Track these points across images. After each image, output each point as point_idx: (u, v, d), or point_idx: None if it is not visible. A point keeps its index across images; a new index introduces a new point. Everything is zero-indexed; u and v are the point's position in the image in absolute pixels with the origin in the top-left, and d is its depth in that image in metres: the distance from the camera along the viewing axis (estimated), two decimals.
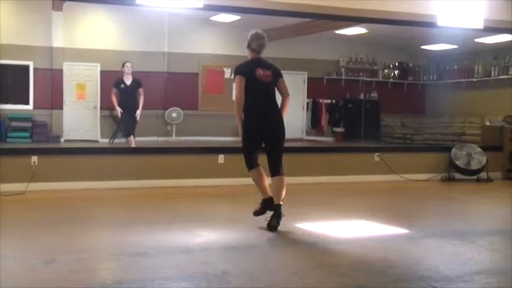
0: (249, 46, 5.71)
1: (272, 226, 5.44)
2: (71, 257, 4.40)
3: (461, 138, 13.53)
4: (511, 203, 7.89)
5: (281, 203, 5.50)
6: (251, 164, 5.65)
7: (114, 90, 9.86)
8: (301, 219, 5.92)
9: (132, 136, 9.83)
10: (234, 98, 5.65)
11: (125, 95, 9.79)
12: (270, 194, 5.60)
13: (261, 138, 5.63)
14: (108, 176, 7.98)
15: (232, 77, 5.79)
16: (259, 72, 5.58)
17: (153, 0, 8.57)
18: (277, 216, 5.46)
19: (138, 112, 9.70)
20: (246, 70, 5.60)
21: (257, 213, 5.67)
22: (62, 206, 6.81)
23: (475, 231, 5.87)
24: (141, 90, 9.78)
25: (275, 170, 5.61)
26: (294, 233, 5.50)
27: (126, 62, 9.96)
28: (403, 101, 16.90)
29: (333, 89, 16.64)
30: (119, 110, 9.81)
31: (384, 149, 10.72)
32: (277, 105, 5.70)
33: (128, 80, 9.78)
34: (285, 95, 5.72)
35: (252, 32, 5.74)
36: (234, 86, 5.58)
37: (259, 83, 5.55)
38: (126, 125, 10.19)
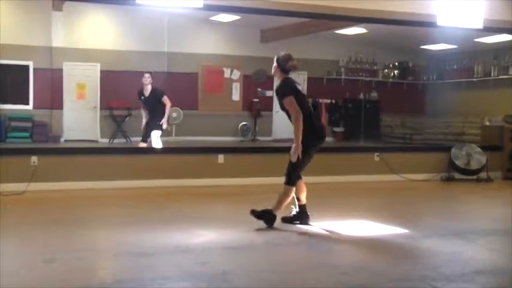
0: (281, 67, 5.61)
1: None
2: (71, 257, 4.41)
3: (461, 138, 13.54)
4: (511, 202, 7.89)
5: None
6: (296, 180, 5.63)
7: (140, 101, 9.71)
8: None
9: (143, 142, 9.56)
10: (294, 118, 5.45)
11: (145, 105, 9.59)
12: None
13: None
14: (108, 176, 7.98)
15: (276, 94, 5.66)
16: (300, 87, 5.67)
17: (153, 0, 8.57)
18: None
19: (163, 120, 9.26)
20: (295, 88, 5.58)
21: (287, 220, 5.71)
22: (62, 206, 6.81)
23: (475, 231, 5.87)
24: (164, 100, 9.32)
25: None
26: (294, 233, 5.50)
27: (145, 72, 9.65)
28: (403, 101, 16.92)
29: (333, 89, 16.65)
30: (144, 119, 9.61)
31: (384, 149, 10.73)
32: None
33: (147, 91, 9.42)
34: None
35: (283, 53, 5.68)
36: (289, 105, 5.45)
37: (304, 98, 5.60)
38: (144, 132, 9.73)
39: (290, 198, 5.62)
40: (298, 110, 5.43)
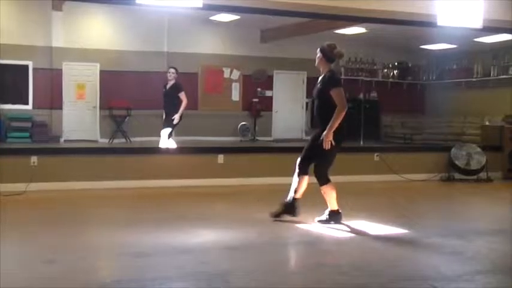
0: (326, 56, 5.66)
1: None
2: (71, 257, 4.41)
3: (461, 138, 13.53)
4: (511, 203, 7.89)
5: None
6: (328, 177, 5.74)
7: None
8: (302, 219, 5.91)
9: (164, 137, 9.43)
10: (339, 110, 5.67)
11: (164, 99, 9.62)
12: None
13: None
14: (108, 176, 7.97)
15: (326, 85, 5.71)
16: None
17: (153, 0, 8.57)
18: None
19: (175, 116, 9.23)
20: (341, 82, 5.73)
21: (323, 221, 5.80)
22: (62, 206, 6.81)
23: (475, 231, 5.87)
24: (181, 95, 9.31)
25: None
26: (294, 233, 5.50)
27: (170, 67, 9.66)
28: (402, 101, 16.90)
29: None
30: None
31: (384, 149, 10.72)
32: None
33: (168, 85, 9.54)
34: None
35: (328, 43, 5.72)
36: (338, 96, 5.65)
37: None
38: (163, 127, 9.73)
39: (334, 192, 5.75)
40: (346, 103, 5.57)
